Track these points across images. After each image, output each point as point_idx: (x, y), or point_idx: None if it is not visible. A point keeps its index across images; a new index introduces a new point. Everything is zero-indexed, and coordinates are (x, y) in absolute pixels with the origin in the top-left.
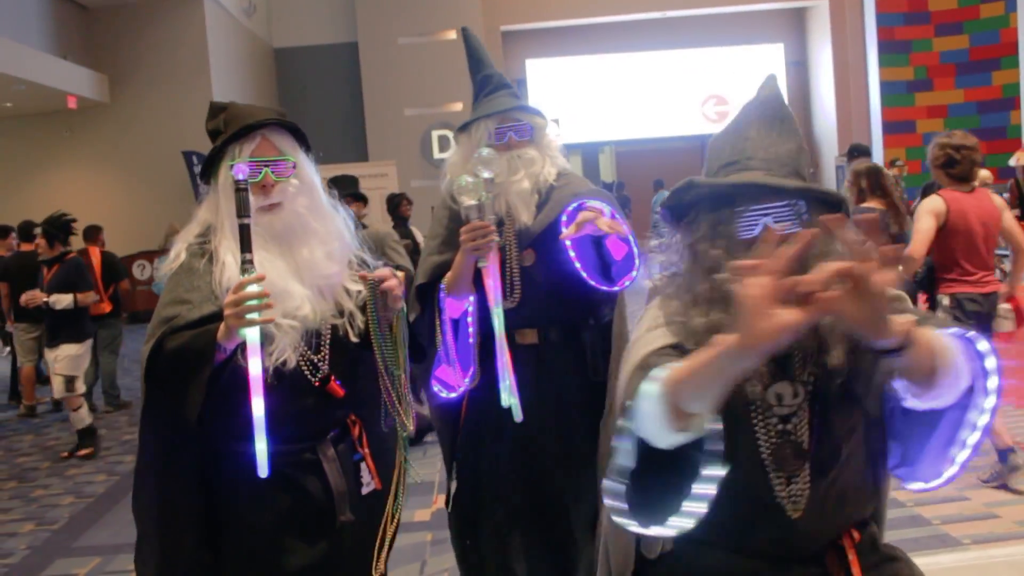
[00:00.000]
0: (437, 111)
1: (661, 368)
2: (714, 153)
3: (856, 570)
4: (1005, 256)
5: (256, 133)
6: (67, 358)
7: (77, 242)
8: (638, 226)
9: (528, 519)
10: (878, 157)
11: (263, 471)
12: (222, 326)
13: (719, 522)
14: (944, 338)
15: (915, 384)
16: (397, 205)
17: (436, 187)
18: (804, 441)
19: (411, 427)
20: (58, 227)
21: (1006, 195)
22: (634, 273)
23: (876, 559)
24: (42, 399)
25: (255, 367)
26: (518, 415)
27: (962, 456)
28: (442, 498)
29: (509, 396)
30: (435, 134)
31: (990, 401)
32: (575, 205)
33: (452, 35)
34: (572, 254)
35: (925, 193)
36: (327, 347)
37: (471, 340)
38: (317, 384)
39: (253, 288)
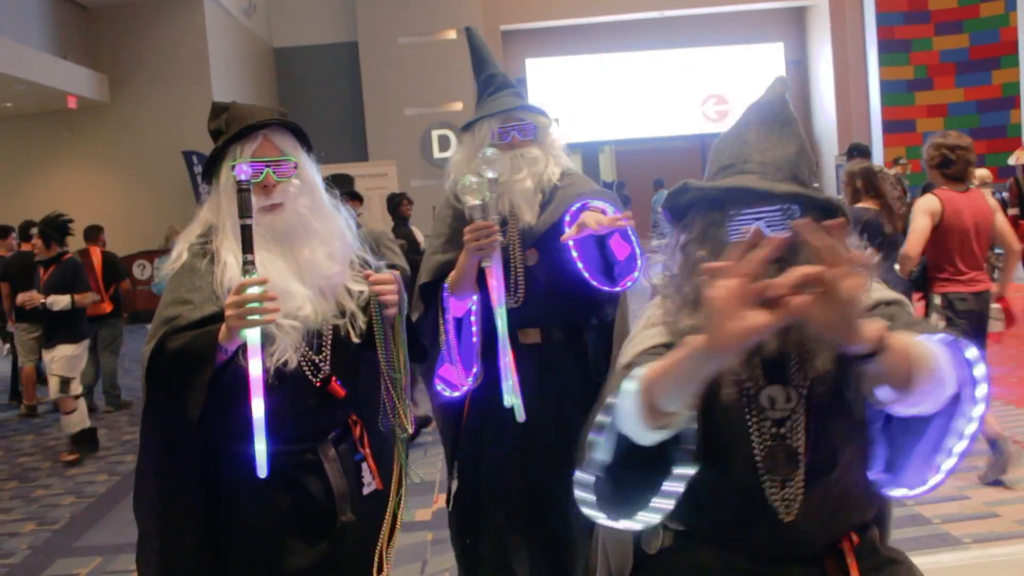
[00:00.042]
0: (437, 111)
1: (641, 366)
2: (715, 156)
3: (855, 573)
4: (1001, 254)
5: (258, 133)
6: (63, 359)
7: (77, 242)
8: (638, 226)
9: (528, 519)
10: (878, 156)
11: (262, 471)
12: (223, 327)
13: (716, 521)
14: (926, 344)
15: (893, 390)
16: (397, 205)
17: (436, 187)
18: (799, 446)
19: (410, 429)
20: (55, 228)
21: (1006, 194)
22: (636, 273)
23: (876, 562)
24: (43, 399)
25: (255, 368)
26: (520, 415)
27: (948, 464)
28: (442, 498)
29: (512, 396)
30: (435, 134)
31: (978, 409)
32: (579, 205)
33: (452, 35)
34: (575, 254)
35: (925, 193)
36: (328, 347)
37: (474, 339)
38: (318, 384)
39: (254, 290)
